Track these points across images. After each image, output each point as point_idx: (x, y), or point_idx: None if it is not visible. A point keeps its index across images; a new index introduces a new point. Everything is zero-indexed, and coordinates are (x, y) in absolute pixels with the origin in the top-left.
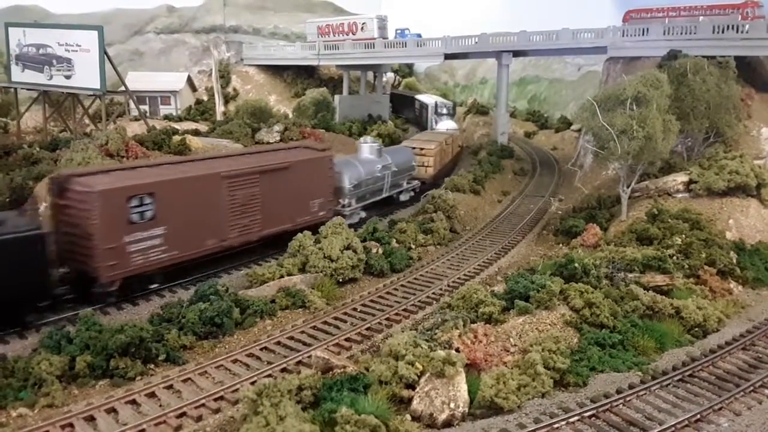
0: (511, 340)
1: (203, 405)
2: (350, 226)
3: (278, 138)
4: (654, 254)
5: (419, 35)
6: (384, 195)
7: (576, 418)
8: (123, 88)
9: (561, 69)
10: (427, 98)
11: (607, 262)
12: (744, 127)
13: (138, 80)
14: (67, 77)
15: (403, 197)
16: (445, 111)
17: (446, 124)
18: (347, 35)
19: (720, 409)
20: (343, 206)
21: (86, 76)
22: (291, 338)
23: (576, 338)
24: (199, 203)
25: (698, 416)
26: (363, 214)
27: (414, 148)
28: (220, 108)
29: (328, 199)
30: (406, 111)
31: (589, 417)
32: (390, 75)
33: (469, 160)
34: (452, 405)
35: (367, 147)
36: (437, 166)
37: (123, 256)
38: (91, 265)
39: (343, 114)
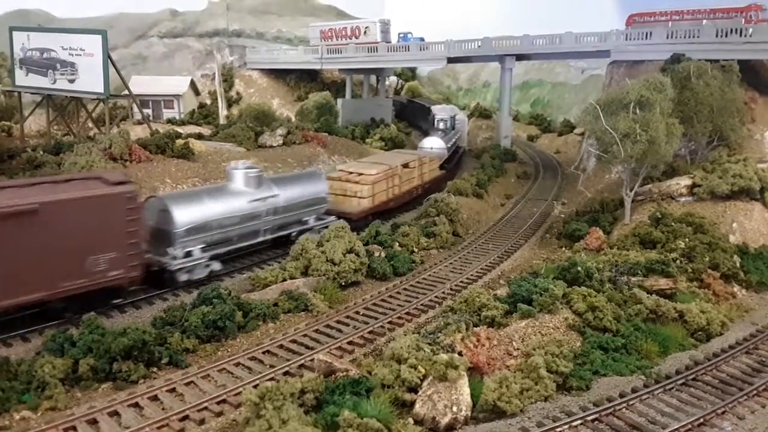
0: (514, 343)
1: (206, 408)
2: (194, 282)
3: (281, 141)
4: (657, 258)
5: (422, 39)
6: (262, 238)
7: (579, 421)
8: (126, 92)
9: (564, 72)
10: (439, 109)
11: (610, 266)
12: (747, 130)
13: (141, 84)
14: (71, 81)
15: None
16: (441, 126)
17: (431, 142)
18: (350, 39)
19: (723, 413)
20: (173, 258)
21: (90, 80)
22: (293, 341)
23: (579, 342)
24: None
25: (702, 420)
26: (216, 267)
27: (351, 173)
28: (223, 112)
29: (130, 253)
30: (423, 121)
31: (592, 421)
32: (393, 79)
33: (472, 163)
34: (455, 409)
35: (240, 175)
36: (377, 199)
37: None
38: None
39: (345, 117)
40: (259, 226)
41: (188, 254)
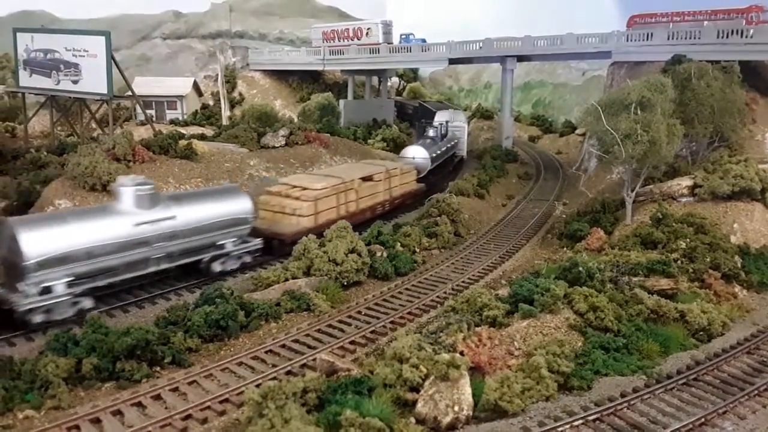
0: (516, 343)
1: (208, 407)
2: (55, 323)
3: (284, 142)
4: (658, 258)
5: (424, 40)
6: (155, 268)
7: (580, 421)
8: (130, 93)
9: (565, 73)
10: (440, 115)
11: (611, 266)
12: (749, 131)
13: (144, 85)
14: (75, 82)
15: (219, 267)
16: (431, 133)
17: (413, 151)
18: (352, 40)
19: (725, 412)
20: (26, 296)
21: (93, 81)
22: (296, 341)
23: (580, 342)
24: None
25: (703, 420)
26: (88, 304)
27: (294, 186)
28: (225, 112)
29: None
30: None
31: (594, 420)
32: (395, 80)
33: (474, 164)
34: (456, 408)
35: (128, 193)
36: (323, 217)
37: None
38: None
39: (347, 118)
40: (150, 253)
41: (47, 290)
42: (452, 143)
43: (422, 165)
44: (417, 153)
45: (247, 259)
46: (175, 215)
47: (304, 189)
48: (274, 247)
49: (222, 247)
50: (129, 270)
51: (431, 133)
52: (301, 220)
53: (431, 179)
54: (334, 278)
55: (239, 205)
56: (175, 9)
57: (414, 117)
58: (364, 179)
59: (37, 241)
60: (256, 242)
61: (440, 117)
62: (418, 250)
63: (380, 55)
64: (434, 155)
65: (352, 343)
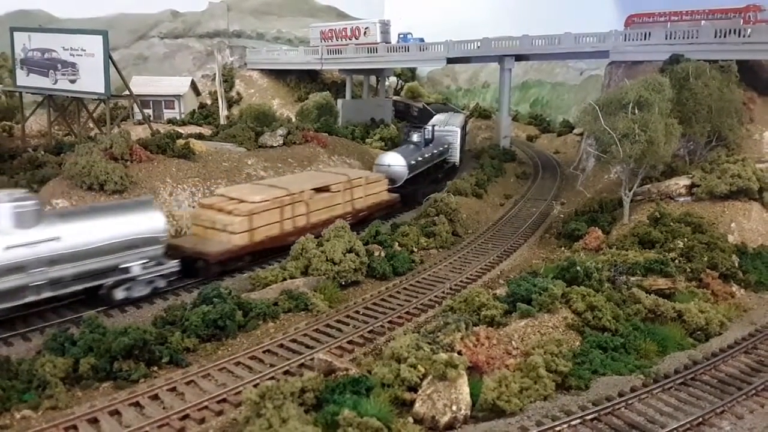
0: (513, 343)
1: (206, 407)
2: None
3: (281, 142)
4: (656, 258)
5: (422, 39)
6: (35, 297)
7: (578, 421)
8: (127, 92)
9: (563, 73)
10: (439, 117)
11: (609, 266)
12: (746, 130)
13: (142, 84)
14: (72, 81)
15: (123, 293)
16: (415, 138)
17: (390, 158)
18: (350, 40)
19: (722, 412)
20: None
21: (91, 80)
22: (293, 341)
23: (578, 341)
24: None
25: (700, 419)
26: None
27: (232, 198)
28: (223, 112)
29: None
30: None
31: (591, 420)
32: (393, 79)
33: (472, 164)
34: (454, 408)
35: (5, 210)
36: (260, 234)
37: None
38: None
39: (346, 118)
40: (26, 280)
41: None
42: (439, 149)
43: (398, 173)
44: (393, 160)
45: (161, 283)
46: (59, 236)
47: (240, 202)
48: (199, 268)
49: (126, 270)
50: (1, 300)
51: (415, 138)
52: (232, 237)
53: (408, 189)
54: (331, 278)
55: (148, 223)
56: (172, 8)
57: (419, 118)
58: (318, 190)
59: None
60: (171, 265)
61: (437, 119)
62: (416, 250)
63: (378, 55)
64: (413, 163)
65: (350, 342)
